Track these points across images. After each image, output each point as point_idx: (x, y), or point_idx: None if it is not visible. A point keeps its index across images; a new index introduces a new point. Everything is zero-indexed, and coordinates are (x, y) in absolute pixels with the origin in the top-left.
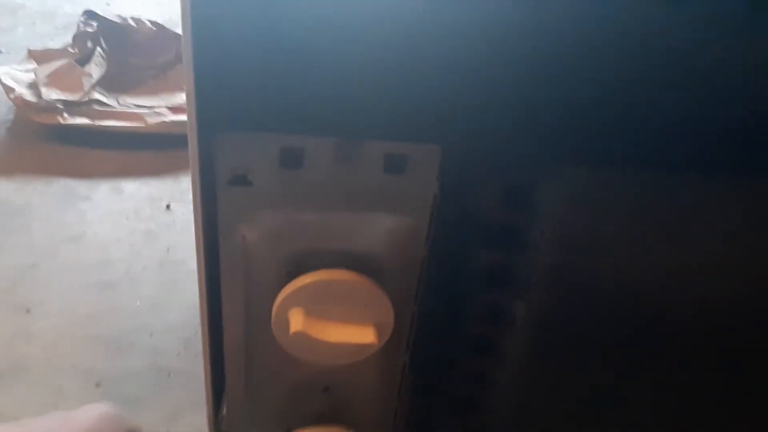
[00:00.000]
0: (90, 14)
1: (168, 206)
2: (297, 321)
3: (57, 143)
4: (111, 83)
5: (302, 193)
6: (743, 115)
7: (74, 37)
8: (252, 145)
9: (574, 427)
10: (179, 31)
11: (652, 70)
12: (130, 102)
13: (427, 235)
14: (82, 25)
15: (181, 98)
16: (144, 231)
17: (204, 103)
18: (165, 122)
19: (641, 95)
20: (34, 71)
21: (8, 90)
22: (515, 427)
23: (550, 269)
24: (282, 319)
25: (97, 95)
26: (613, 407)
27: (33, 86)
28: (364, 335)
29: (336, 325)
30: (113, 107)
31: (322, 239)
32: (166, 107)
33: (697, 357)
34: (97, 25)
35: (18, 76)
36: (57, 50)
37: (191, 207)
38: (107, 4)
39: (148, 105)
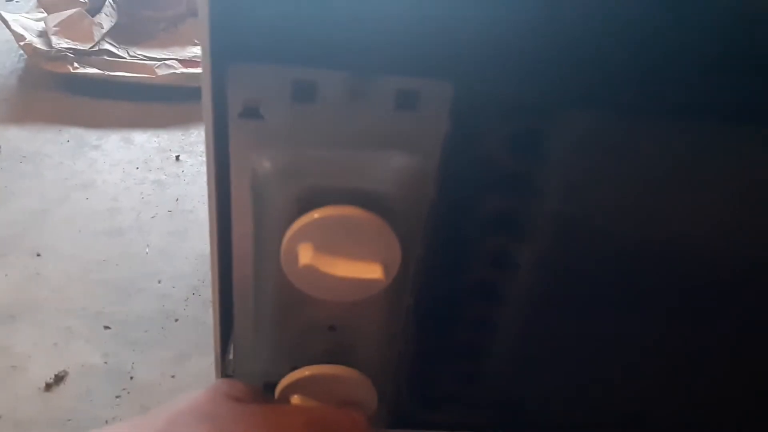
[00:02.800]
0: None
1: (177, 157)
2: (306, 254)
3: (67, 92)
4: (121, 34)
5: (313, 129)
6: (754, 63)
7: None
8: (264, 77)
9: (574, 374)
10: None
11: (663, 13)
12: (140, 54)
13: (436, 176)
14: None
15: (191, 51)
16: (153, 181)
17: (218, 34)
18: (175, 74)
19: (655, 39)
20: (44, 20)
21: (18, 37)
22: (516, 373)
23: (556, 216)
24: (291, 253)
25: (107, 46)
26: (615, 354)
27: (43, 34)
28: (371, 271)
29: (344, 260)
30: (123, 58)
31: (332, 176)
32: (176, 60)
33: (700, 304)
34: None
35: (28, 24)
36: None
37: (200, 158)
38: None
39: (158, 57)
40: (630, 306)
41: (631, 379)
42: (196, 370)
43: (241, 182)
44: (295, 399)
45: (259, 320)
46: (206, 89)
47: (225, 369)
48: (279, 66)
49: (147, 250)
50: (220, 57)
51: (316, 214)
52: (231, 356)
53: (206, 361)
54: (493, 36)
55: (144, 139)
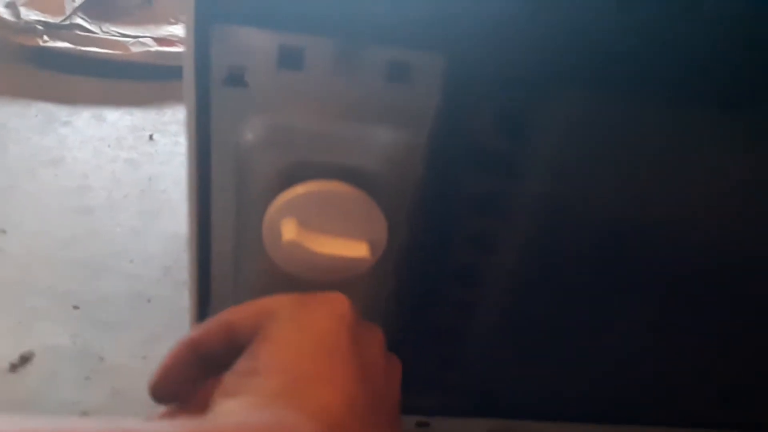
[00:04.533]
0: None
1: (151, 136)
2: (290, 230)
3: (36, 66)
4: (94, 9)
5: (300, 99)
6: (745, 48)
7: None
8: (249, 40)
9: (557, 359)
10: None
11: None
12: (113, 30)
13: (425, 153)
14: None
15: (166, 30)
16: (125, 159)
17: None
18: (149, 52)
19: (649, 21)
20: None
21: None
22: (498, 358)
23: (542, 197)
24: (274, 228)
25: (79, 20)
26: (598, 340)
27: (11, 5)
28: (357, 249)
29: (329, 237)
30: (96, 33)
31: (318, 149)
32: (151, 38)
33: (686, 290)
34: None
35: None
36: None
37: (174, 138)
38: None
39: (132, 34)
40: (614, 291)
41: (616, 366)
42: (167, 352)
43: (222, 154)
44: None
45: (237, 300)
46: (188, 53)
47: None
48: (265, 30)
49: (118, 229)
50: (204, 19)
51: (300, 189)
52: None
53: None
54: (487, 9)
55: (116, 117)
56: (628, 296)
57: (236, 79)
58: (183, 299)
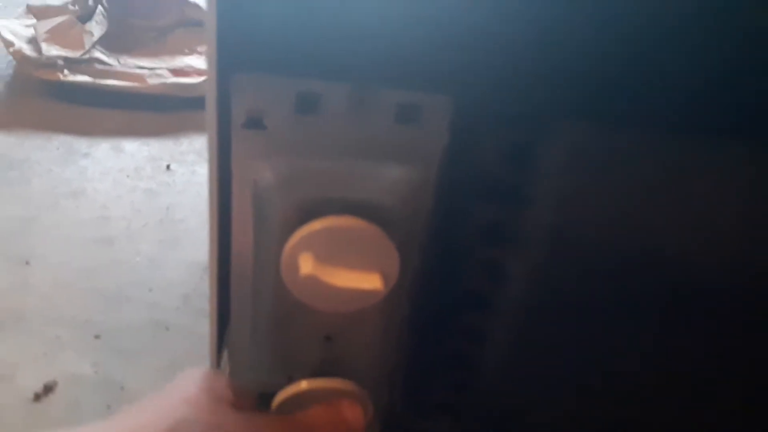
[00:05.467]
0: None
1: (168, 166)
2: (307, 264)
3: (56, 100)
4: (111, 43)
5: (315, 140)
6: (748, 77)
7: None
8: (268, 87)
9: (566, 385)
10: None
11: (654, 29)
12: (130, 62)
13: (434, 187)
14: None
15: (182, 61)
16: (144, 189)
17: (223, 45)
18: (165, 84)
19: (648, 54)
20: (34, 26)
21: (7, 44)
22: (508, 384)
23: (549, 227)
24: (292, 262)
25: (97, 54)
26: (607, 365)
27: (33, 41)
28: (370, 281)
29: (344, 270)
30: (114, 66)
31: (333, 186)
32: (166, 69)
33: (692, 316)
34: None
35: (17, 30)
36: (57, 6)
37: (191, 168)
38: None
39: (148, 66)
40: (621, 317)
41: (624, 391)
42: None
43: (242, 191)
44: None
45: (255, 330)
46: (211, 99)
47: None
48: (283, 77)
49: (137, 258)
50: (224, 67)
51: (316, 225)
52: (225, 363)
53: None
54: (490, 52)
55: (134, 148)
56: (637, 322)
57: (255, 122)
58: (202, 327)
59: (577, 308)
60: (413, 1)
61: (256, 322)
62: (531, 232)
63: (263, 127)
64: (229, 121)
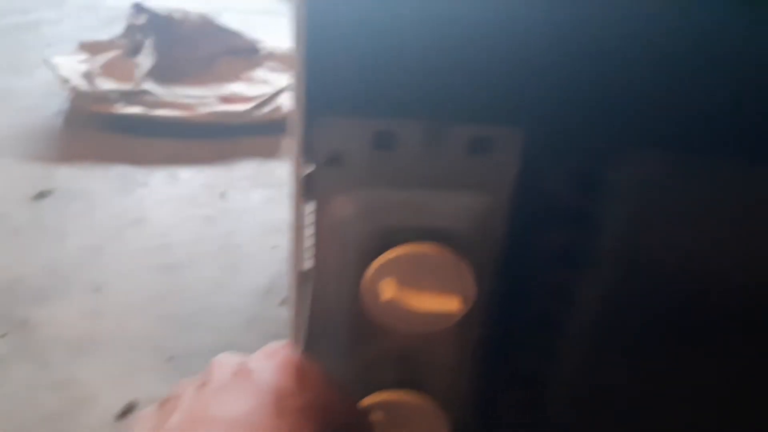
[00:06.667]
0: (139, 7)
1: (223, 193)
2: (388, 289)
3: (112, 132)
4: (160, 74)
5: (392, 173)
6: None
7: (125, 29)
8: (348, 128)
9: (636, 409)
10: (221, 22)
11: (729, 56)
12: (179, 92)
13: (506, 213)
14: (131, 17)
15: (227, 89)
16: (202, 217)
17: (307, 89)
18: (214, 112)
19: (715, 83)
20: (88, 62)
21: (64, 81)
22: (577, 405)
23: (618, 252)
24: (373, 288)
25: (147, 85)
26: (677, 390)
27: (87, 76)
28: (448, 303)
29: (423, 293)
30: (164, 97)
31: (409, 216)
32: (214, 97)
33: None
34: (146, 18)
35: (72, 66)
36: (107, 42)
37: (246, 194)
38: None
39: (196, 95)
40: (692, 342)
41: (696, 416)
42: None
43: (323, 224)
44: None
45: (333, 351)
46: (298, 141)
47: None
48: (361, 118)
49: (201, 284)
50: (309, 111)
51: (396, 252)
52: None
53: None
54: (559, 84)
55: (189, 176)
56: (708, 348)
57: (336, 160)
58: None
59: (647, 331)
60: (481, 41)
61: (334, 344)
62: (601, 257)
63: (343, 164)
64: (312, 161)
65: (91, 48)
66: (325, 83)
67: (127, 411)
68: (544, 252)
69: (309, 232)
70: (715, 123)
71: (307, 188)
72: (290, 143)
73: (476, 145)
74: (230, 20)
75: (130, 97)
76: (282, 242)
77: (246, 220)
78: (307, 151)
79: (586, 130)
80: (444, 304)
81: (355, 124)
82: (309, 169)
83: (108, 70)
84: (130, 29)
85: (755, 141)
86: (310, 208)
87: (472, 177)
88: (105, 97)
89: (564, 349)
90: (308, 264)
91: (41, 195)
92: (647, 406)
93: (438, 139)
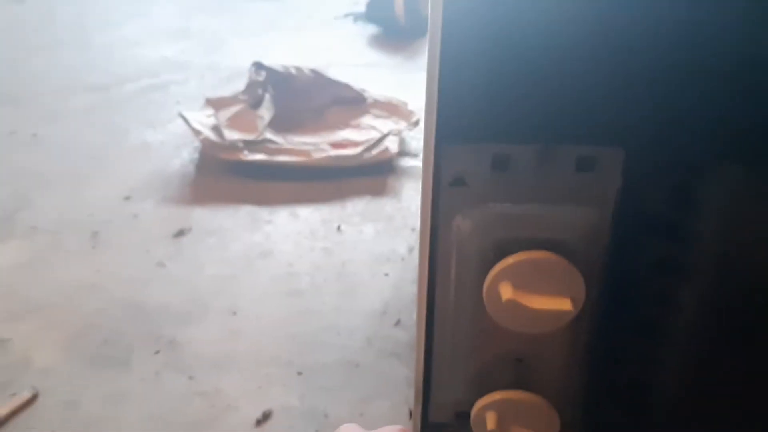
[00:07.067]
0: (259, 65)
1: (339, 228)
2: (507, 291)
3: (238, 176)
4: (278, 124)
5: (508, 191)
6: None
7: (246, 85)
8: (470, 153)
9: (734, 415)
10: (331, 76)
11: None
12: (296, 140)
13: (610, 224)
14: (252, 74)
15: (339, 135)
16: (321, 248)
17: (437, 121)
18: (329, 156)
19: None
20: (215, 116)
21: (196, 133)
22: (680, 410)
23: (715, 259)
24: (493, 291)
25: (268, 134)
26: None
27: (215, 129)
28: (562, 304)
29: (538, 295)
30: (283, 144)
31: (523, 228)
32: (327, 143)
33: None
34: (266, 75)
35: (202, 120)
36: (230, 97)
37: (358, 228)
38: (261, 56)
39: (311, 142)
40: None
41: None
42: (380, 411)
43: (446, 238)
44: (491, 416)
45: (455, 354)
46: (427, 165)
47: (425, 416)
48: (481, 144)
49: (323, 308)
50: (437, 140)
51: (512, 259)
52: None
53: (387, 404)
54: (658, 107)
55: (308, 213)
56: None
57: (459, 181)
58: (386, 365)
59: (745, 330)
60: (583, 72)
61: (456, 348)
62: (698, 263)
63: (465, 184)
64: (439, 183)
65: (216, 103)
66: (450, 115)
67: (264, 418)
68: (645, 261)
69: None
70: None
71: (435, 208)
72: (419, 169)
73: (582, 164)
74: (338, 73)
75: (253, 145)
76: (392, 270)
77: (359, 250)
78: (435, 174)
79: (679, 149)
80: (557, 304)
81: (475, 149)
82: (437, 190)
83: (233, 122)
84: (252, 85)
85: None
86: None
87: (579, 192)
88: (232, 146)
89: (666, 353)
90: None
91: (180, 233)
92: (751, 408)
93: (548, 159)
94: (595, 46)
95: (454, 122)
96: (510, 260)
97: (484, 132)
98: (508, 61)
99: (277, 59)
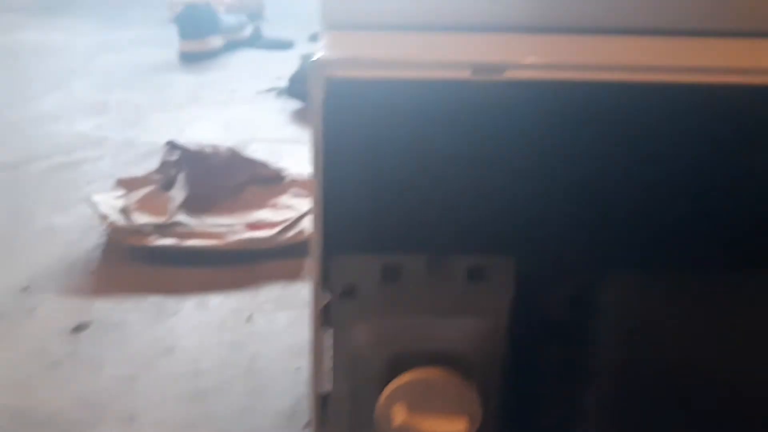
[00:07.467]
0: (172, 144)
1: (249, 317)
2: (399, 415)
3: (145, 263)
4: (191, 205)
5: (400, 302)
6: None
7: (159, 165)
8: (359, 263)
9: None
10: (248, 154)
11: (698, 181)
12: (209, 222)
13: (505, 334)
14: (165, 154)
15: (255, 216)
16: (229, 342)
17: (324, 231)
18: (242, 240)
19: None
20: (125, 197)
21: (103, 218)
22: None
23: (614, 363)
24: (386, 414)
25: (180, 217)
26: None
27: (124, 211)
28: (457, 423)
29: (432, 416)
30: (195, 228)
31: (417, 341)
32: (242, 225)
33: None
34: (179, 154)
35: (111, 203)
36: (142, 178)
37: (270, 317)
38: (181, 131)
39: (225, 224)
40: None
41: None
42: None
43: (339, 351)
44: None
45: None
46: (316, 277)
47: None
48: (370, 255)
49: (229, 411)
50: (325, 251)
51: (405, 378)
52: None
53: None
54: (544, 216)
55: (218, 302)
56: None
57: (349, 293)
58: None
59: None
60: (471, 183)
61: None
62: (598, 368)
63: (355, 296)
64: (328, 295)
65: (128, 184)
66: (339, 225)
67: None
68: (545, 368)
69: (329, 355)
70: (682, 244)
71: (324, 318)
72: (310, 274)
73: (473, 274)
74: (258, 150)
75: (163, 229)
76: (305, 364)
77: (270, 342)
78: (325, 284)
79: (571, 257)
80: (452, 424)
81: (365, 260)
82: (326, 300)
83: (143, 204)
84: (165, 165)
85: (718, 257)
86: (328, 334)
87: (472, 303)
88: (139, 231)
89: None
90: (327, 387)
91: (79, 328)
92: None
93: (439, 269)
94: (479, 157)
95: (342, 232)
96: (401, 380)
97: (372, 242)
98: (392, 171)
99: (199, 133)
